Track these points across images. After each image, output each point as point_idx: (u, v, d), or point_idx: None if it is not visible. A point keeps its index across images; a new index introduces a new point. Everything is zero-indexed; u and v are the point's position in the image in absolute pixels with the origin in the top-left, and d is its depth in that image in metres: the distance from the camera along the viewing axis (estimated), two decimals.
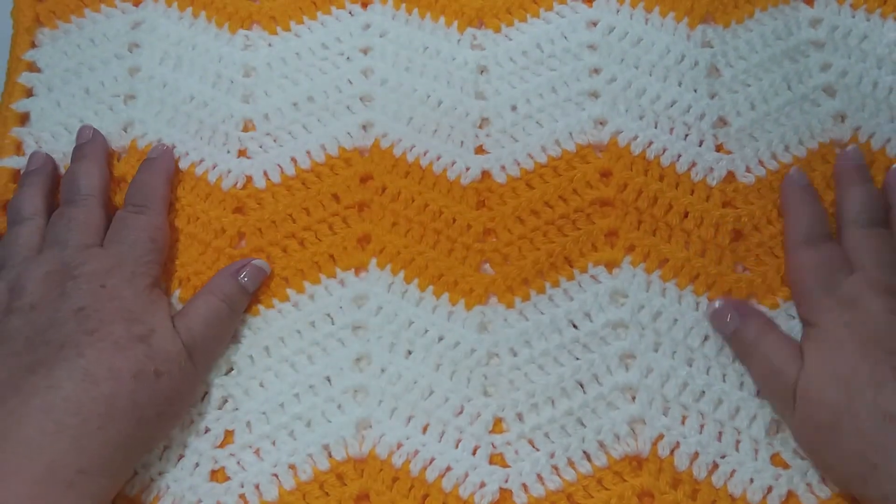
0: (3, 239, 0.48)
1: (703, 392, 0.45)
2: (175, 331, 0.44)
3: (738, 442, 0.44)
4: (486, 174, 0.51)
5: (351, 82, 0.53)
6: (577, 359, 0.46)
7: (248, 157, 0.52)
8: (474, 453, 0.44)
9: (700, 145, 0.51)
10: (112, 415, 0.39)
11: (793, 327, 0.46)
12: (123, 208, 0.48)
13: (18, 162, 0.52)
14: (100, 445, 0.39)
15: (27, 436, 0.38)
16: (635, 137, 0.51)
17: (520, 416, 0.45)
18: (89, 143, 0.51)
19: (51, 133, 0.53)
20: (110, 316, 0.42)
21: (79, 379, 0.39)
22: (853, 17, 0.54)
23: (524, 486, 0.44)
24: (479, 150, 0.52)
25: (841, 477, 0.42)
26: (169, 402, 0.42)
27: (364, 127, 0.52)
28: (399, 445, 0.44)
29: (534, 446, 0.45)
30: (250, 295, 0.48)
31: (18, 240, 0.47)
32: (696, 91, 0.52)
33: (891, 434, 0.38)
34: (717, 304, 0.47)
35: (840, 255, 0.46)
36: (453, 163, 0.51)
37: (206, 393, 0.46)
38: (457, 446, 0.45)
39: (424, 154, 0.51)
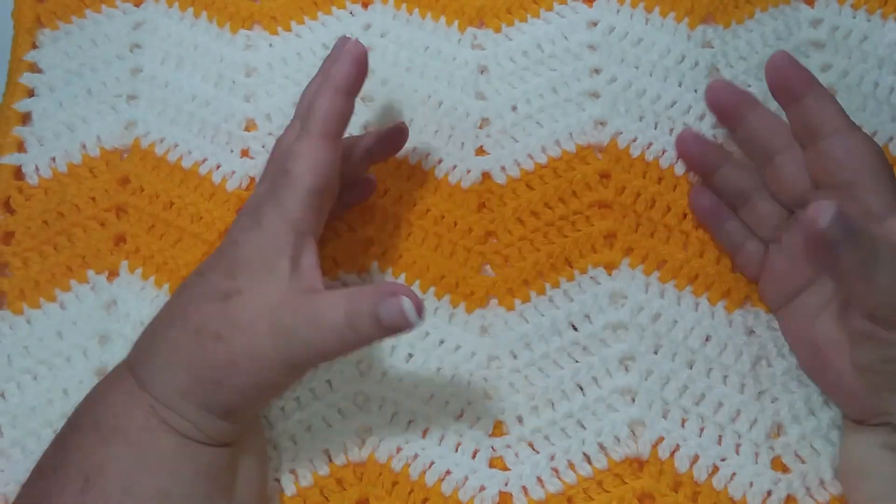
0: None
1: (704, 395, 0.45)
2: None
3: (738, 445, 0.44)
4: (485, 175, 0.51)
5: None
6: (577, 361, 0.46)
7: (251, 158, 0.52)
8: (474, 457, 0.44)
9: None
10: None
11: None
12: None
13: (20, 159, 0.52)
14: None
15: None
16: (634, 139, 0.51)
17: (519, 419, 0.45)
18: None
19: (53, 132, 0.53)
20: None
21: None
22: (854, 17, 0.53)
23: (524, 488, 0.44)
24: (480, 150, 0.52)
25: None
26: None
27: (365, 128, 0.52)
28: (398, 449, 0.44)
29: (534, 449, 0.45)
30: None
31: None
32: (696, 91, 0.52)
33: None
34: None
35: None
36: (454, 167, 0.51)
37: None
38: (456, 450, 0.45)
39: (426, 157, 0.51)
